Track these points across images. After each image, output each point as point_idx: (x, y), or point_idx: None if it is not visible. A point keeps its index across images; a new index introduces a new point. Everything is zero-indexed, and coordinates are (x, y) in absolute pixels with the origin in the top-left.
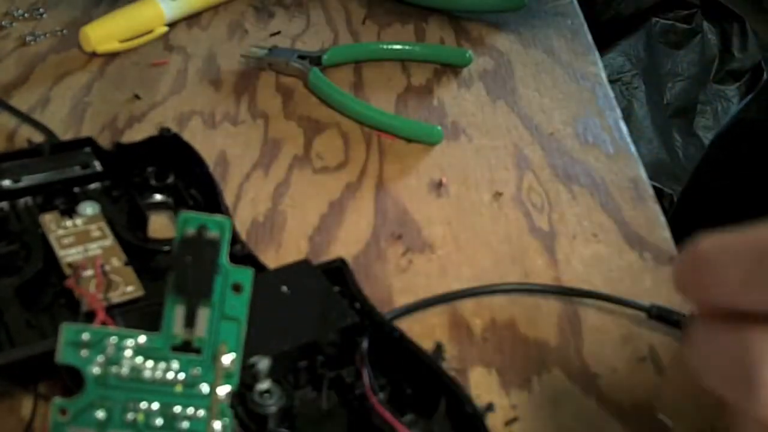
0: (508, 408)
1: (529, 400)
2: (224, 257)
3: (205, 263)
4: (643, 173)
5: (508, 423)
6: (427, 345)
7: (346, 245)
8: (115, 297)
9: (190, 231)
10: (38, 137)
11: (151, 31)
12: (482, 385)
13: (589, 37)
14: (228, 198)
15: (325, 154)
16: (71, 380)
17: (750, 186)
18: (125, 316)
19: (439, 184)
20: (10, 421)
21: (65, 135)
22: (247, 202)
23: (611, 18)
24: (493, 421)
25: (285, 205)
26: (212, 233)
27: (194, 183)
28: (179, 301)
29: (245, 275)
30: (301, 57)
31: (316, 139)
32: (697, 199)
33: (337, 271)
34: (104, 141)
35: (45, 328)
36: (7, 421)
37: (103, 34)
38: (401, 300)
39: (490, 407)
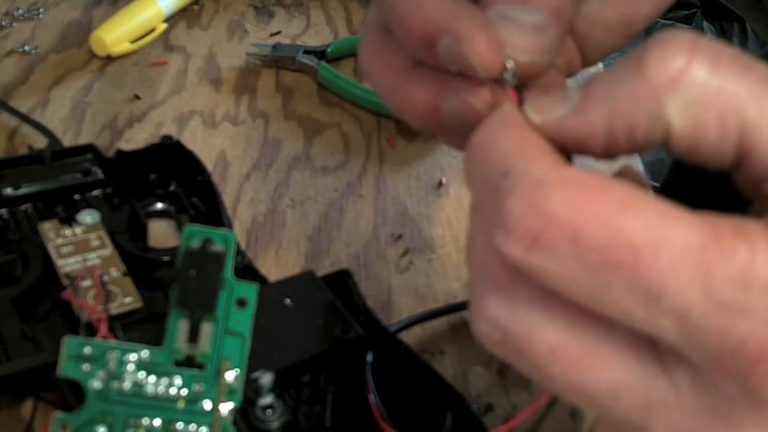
0: (508, 408)
1: (529, 400)
2: (229, 271)
3: (209, 277)
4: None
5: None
6: (427, 346)
7: (346, 245)
8: (113, 308)
9: (195, 244)
10: (38, 138)
11: (153, 30)
12: (482, 385)
13: None
14: (228, 198)
15: (325, 154)
16: (72, 394)
17: (726, 177)
18: (126, 329)
19: (439, 184)
20: (10, 421)
21: (65, 135)
22: (247, 202)
23: None
24: (493, 421)
25: (285, 205)
26: (217, 247)
27: (196, 191)
28: (182, 315)
29: (250, 290)
30: (306, 52)
31: (316, 139)
32: (676, 189)
33: (341, 282)
34: (104, 141)
35: (41, 339)
36: (7, 421)
37: (117, 36)
38: (401, 300)
39: (490, 407)
